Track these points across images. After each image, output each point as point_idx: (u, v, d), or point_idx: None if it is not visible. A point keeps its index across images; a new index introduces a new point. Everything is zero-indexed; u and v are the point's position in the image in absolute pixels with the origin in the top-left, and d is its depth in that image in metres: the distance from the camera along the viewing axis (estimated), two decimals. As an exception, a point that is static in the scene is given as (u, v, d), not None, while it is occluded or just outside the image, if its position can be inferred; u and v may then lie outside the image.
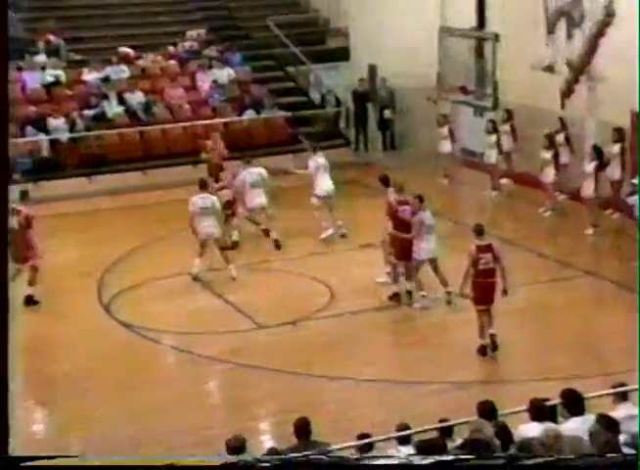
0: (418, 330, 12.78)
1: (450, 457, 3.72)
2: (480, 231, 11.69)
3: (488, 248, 11.57)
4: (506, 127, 18.63)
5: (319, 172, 16.10)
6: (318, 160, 16.29)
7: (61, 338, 12.75)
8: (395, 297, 13.26)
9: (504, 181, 18.80)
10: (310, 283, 14.23)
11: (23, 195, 14.11)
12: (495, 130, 18.46)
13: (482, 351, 11.60)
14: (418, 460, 3.94)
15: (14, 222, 13.09)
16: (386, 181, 13.94)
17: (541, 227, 16.63)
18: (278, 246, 15.69)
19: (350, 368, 11.40)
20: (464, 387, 10.77)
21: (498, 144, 18.43)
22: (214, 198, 14.67)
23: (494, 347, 11.64)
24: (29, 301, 13.54)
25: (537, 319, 12.77)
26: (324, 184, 16.02)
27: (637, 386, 8.05)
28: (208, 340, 12.48)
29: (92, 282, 14.42)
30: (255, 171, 15.97)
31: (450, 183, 19.49)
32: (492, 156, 18.51)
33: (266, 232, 15.95)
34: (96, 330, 12.91)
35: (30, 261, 13.53)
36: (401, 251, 13.13)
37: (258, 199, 15.76)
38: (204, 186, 14.72)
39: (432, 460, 3.80)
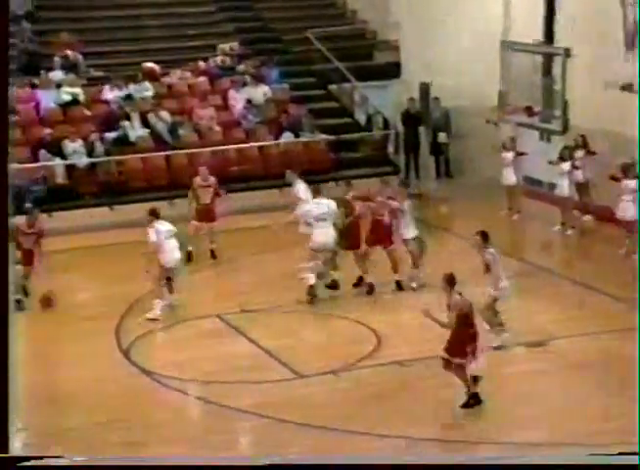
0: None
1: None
2: (452, 282, 11.75)
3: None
4: (580, 154, 18.61)
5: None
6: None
7: (75, 387, 12.84)
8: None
9: (586, 218, 18.78)
10: (354, 327, 14.23)
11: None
12: (570, 158, 18.46)
13: (470, 402, 11.53)
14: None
15: None
16: (486, 236, 13.30)
17: (619, 268, 16.50)
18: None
19: (398, 425, 11.34)
20: (531, 448, 10.66)
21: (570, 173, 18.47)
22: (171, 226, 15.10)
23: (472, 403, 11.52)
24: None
25: (610, 372, 12.63)
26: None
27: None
28: (240, 390, 12.51)
29: (111, 324, 14.56)
30: None
31: (514, 217, 19.45)
32: (565, 187, 18.46)
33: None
34: (114, 378, 12.99)
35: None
36: None
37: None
38: (155, 214, 15.07)
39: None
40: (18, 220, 15.20)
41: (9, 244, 5.18)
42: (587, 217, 18.89)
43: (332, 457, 3.64)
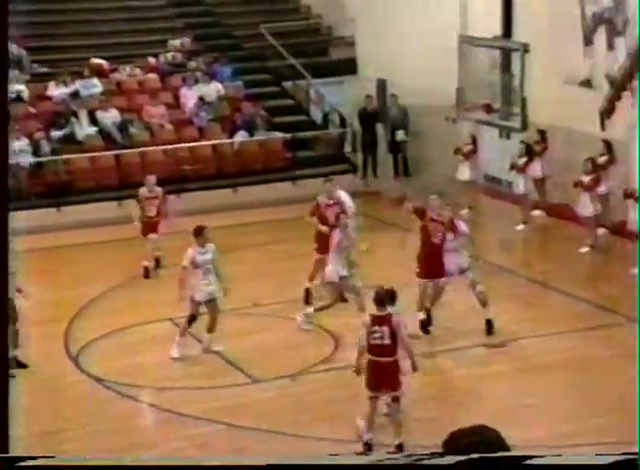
0: (440, 383, 12.81)
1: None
2: (380, 301, 11.06)
3: (385, 319, 10.98)
4: (537, 151, 18.81)
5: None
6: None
7: (22, 395, 12.73)
8: None
9: (536, 213, 18.93)
10: (312, 330, 14.27)
11: None
12: (528, 154, 18.62)
13: (366, 447, 10.97)
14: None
15: None
16: None
17: (578, 267, 16.69)
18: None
19: (351, 430, 11.38)
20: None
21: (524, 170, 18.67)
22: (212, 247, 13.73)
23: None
24: None
25: (573, 374, 12.78)
26: None
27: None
28: (193, 396, 12.51)
29: (59, 330, 14.47)
30: None
31: (473, 215, 19.56)
32: (521, 184, 18.66)
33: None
34: (63, 386, 12.95)
35: None
36: None
37: None
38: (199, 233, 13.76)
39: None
40: None
41: (8, 243, 5.20)
42: (536, 212, 18.94)
43: (333, 457, 3.66)
